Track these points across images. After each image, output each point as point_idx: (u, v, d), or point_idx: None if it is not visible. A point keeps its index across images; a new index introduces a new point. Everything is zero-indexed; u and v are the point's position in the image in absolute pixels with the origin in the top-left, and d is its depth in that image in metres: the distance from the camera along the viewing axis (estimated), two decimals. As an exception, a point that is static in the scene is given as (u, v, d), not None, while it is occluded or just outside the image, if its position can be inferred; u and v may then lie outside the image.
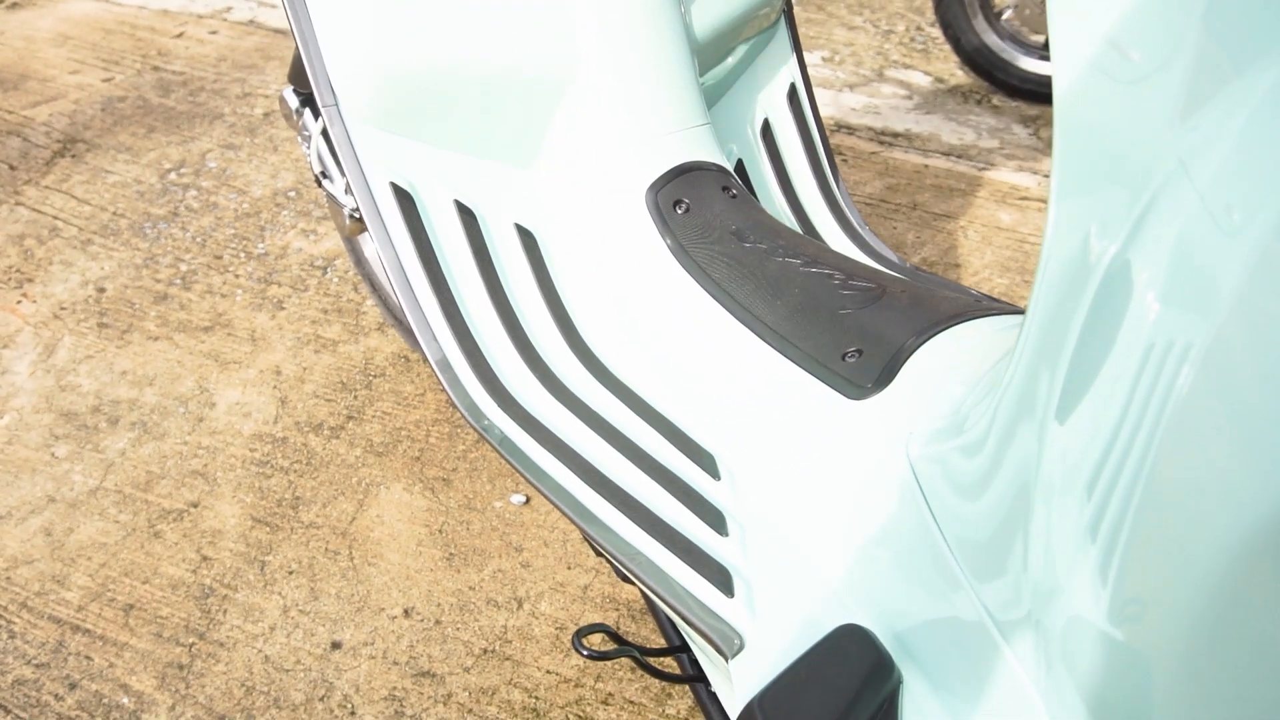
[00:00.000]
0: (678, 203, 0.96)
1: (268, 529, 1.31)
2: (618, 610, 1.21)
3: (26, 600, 1.22)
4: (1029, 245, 1.85)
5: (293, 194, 1.99)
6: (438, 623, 1.19)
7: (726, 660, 0.66)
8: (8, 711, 1.10)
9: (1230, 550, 0.39)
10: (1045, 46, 2.27)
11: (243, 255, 1.81)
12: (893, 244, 1.85)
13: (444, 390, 0.89)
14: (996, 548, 0.56)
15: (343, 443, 1.43)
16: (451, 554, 1.27)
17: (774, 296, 0.86)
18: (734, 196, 0.98)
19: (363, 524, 1.31)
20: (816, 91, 2.24)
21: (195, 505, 1.34)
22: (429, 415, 1.48)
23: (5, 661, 1.15)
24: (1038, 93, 2.30)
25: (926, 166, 2.10)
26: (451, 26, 0.96)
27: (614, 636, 0.81)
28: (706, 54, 1.13)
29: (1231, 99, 0.42)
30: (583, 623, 1.19)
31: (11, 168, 2.07)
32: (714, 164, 1.00)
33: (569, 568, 1.26)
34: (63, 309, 1.69)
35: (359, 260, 1.51)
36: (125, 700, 1.11)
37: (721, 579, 0.70)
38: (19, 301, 1.71)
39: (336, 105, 0.95)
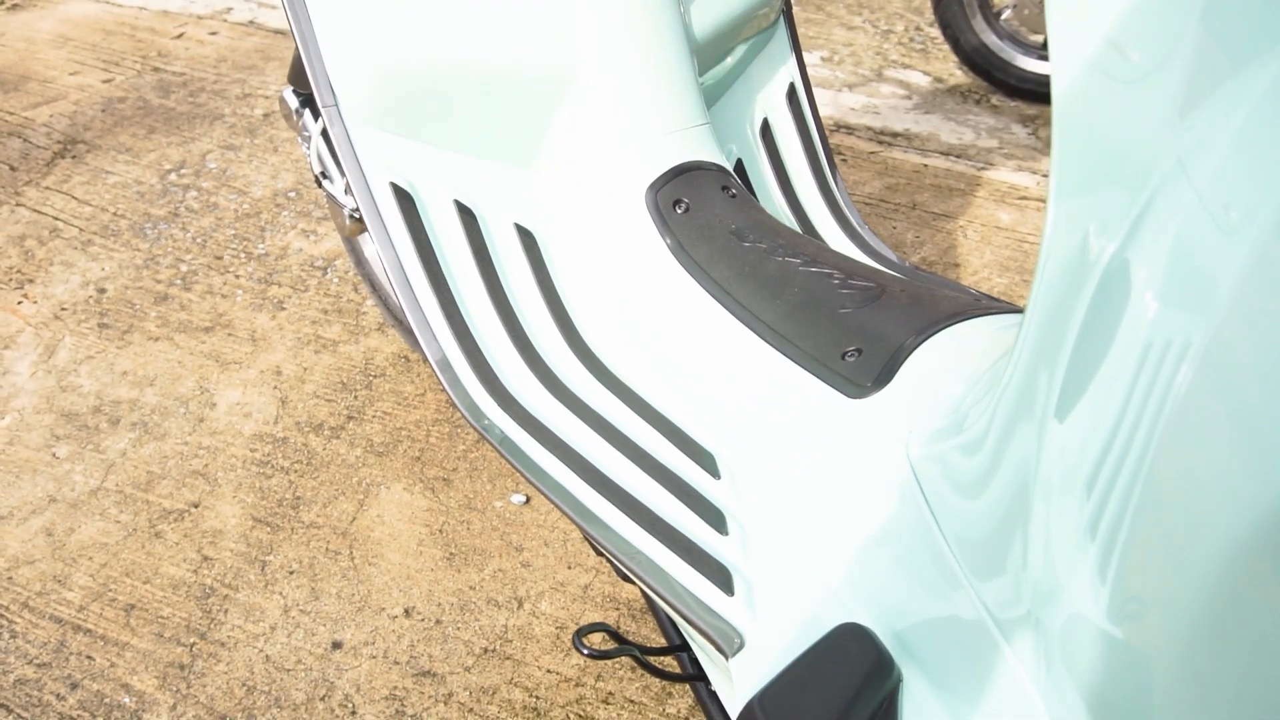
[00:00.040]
0: (677, 202, 0.96)
1: (268, 529, 1.31)
2: (618, 609, 1.21)
3: (28, 600, 1.22)
4: (1028, 245, 1.85)
5: (293, 194, 1.99)
6: (438, 622, 1.19)
7: (727, 659, 0.66)
8: (9, 711, 1.10)
9: (1229, 549, 0.39)
10: (1044, 46, 2.27)
11: (243, 256, 1.82)
12: (892, 243, 1.86)
13: (444, 390, 0.90)
14: (996, 546, 0.56)
15: (343, 443, 1.43)
16: (452, 554, 1.28)
17: (774, 296, 0.86)
18: (733, 196, 0.98)
19: (363, 524, 1.32)
20: (816, 91, 2.24)
21: (196, 505, 1.34)
22: (429, 415, 1.48)
23: (7, 661, 1.15)
24: (1036, 92, 2.30)
25: (925, 166, 2.10)
26: (451, 27, 0.96)
27: (614, 636, 0.81)
28: (706, 54, 1.14)
29: (1230, 98, 0.42)
30: (583, 622, 1.19)
31: (12, 169, 2.07)
32: (713, 164, 1.01)
33: (569, 567, 1.26)
34: (63, 310, 1.69)
35: (359, 260, 1.51)
36: (127, 700, 1.11)
37: (722, 578, 0.70)
38: (20, 302, 1.71)
39: (336, 105, 0.95)
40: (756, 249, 0.91)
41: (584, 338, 0.95)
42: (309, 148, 1.21)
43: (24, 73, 2.46)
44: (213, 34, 2.68)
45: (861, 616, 0.63)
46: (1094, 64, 0.49)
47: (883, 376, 0.74)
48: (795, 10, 2.81)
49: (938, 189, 2.02)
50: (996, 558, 0.56)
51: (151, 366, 1.57)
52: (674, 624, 0.92)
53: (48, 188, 2.01)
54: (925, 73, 2.50)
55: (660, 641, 1.14)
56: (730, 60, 1.21)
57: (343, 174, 1.15)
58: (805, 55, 2.53)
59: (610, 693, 1.12)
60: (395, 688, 1.12)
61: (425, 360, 1.14)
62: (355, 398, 1.51)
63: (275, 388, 1.53)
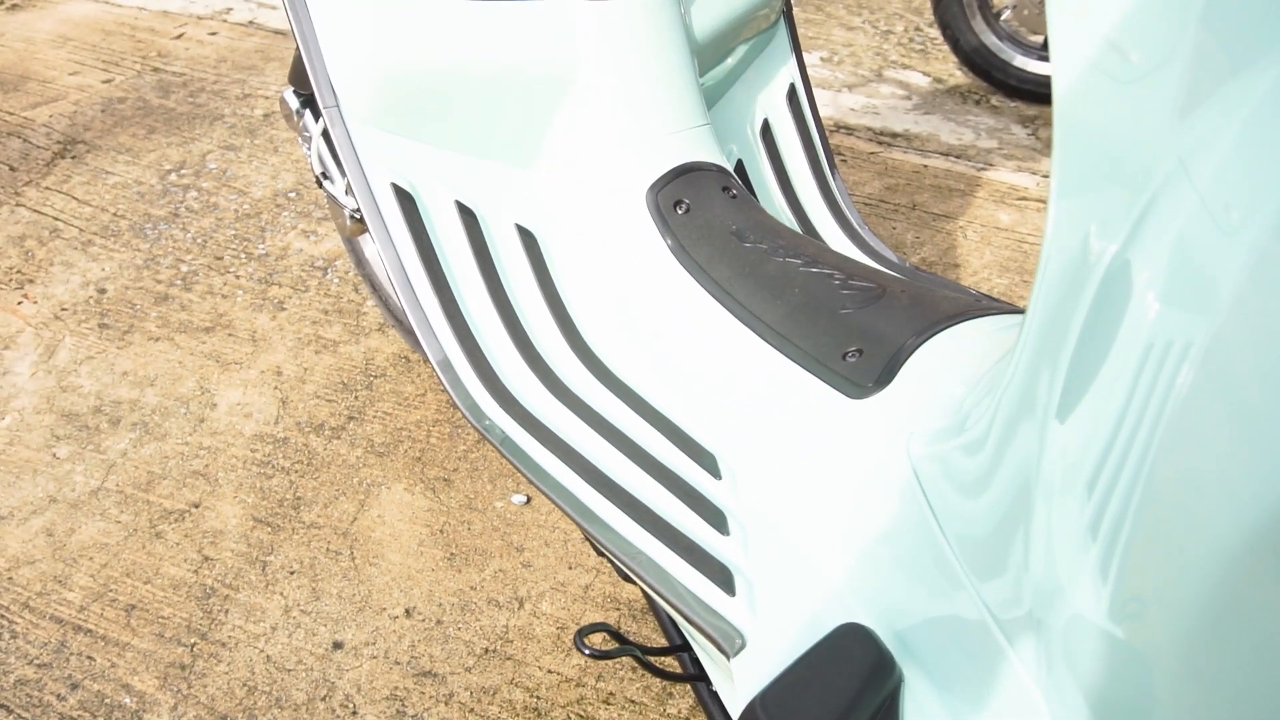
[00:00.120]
0: (678, 203, 0.96)
1: (269, 529, 1.31)
2: (619, 610, 1.21)
3: (28, 600, 1.22)
4: (1028, 245, 1.86)
5: (293, 195, 1.99)
6: (439, 622, 1.19)
7: (728, 659, 0.66)
8: (10, 712, 1.10)
9: (1230, 549, 0.39)
10: (1044, 46, 2.28)
11: (243, 256, 1.82)
12: (892, 244, 1.86)
13: (445, 390, 0.90)
14: (997, 546, 0.56)
15: (344, 443, 1.43)
16: (453, 554, 1.28)
17: (774, 296, 0.86)
18: (734, 197, 0.98)
19: (364, 524, 1.32)
20: (816, 92, 2.24)
21: (197, 505, 1.34)
22: (430, 415, 1.48)
23: (7, 662, 1.15)
24: (1036, 93, 2.30)
25: (925, 167, 2.10)
26: (452, 28, 0.96)
27: (616, 636, 0.81)
28: (706, 55, 1.14)
29: (1230, 98, 0.42)
30: (584, 622, 1.19)
31: (12, 169, 2.07)
32: (714, 164, 1.01)
33: (570, 567, 1.26)
34: (64, 310, 1.69)
35: (359, 261, 1.51)
36: (127, 700, 1.11)
37: (723, 578, 0.71)
38: (20, 302, 1.71)
39: (337, 106, 0.95)
40: (757, 249, 0.91)
41: (585, 338, 0.95)
42: (310, 148, 1.21)
43: (24, 73, 2.46)
44: (213, 34, 2.68)
45: (863, 616, 0.63)
46: (1095, 64, 0.49)
47: (884, 377, 0.74)
48: (795, 11, 2.81)
49: (937, 189, 2.02)
50: (998, 558, 0.56)
51: (152, 367, 1.57)
52: (675, 624, 0.93)
53: (48, 188, 2.01)
54: (925, 73, 2.50)
55: (661, 642, 1.14)
56: (731, 61, 1.22)
57: (343, 174, 1.15)
58: (805, 56, 2.54)
59: (611, 693, 1.12)
60: (396, 688, 1.12)
61: (426, 360, 1.14)
62: (356, 398, 1.51)
63: (276, 388, 1.53)
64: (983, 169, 2.10)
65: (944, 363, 0.73)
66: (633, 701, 1.11)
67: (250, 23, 2.75)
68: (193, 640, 1.18)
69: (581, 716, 1.10)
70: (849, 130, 2.25)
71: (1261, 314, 0.38)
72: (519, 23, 0.97)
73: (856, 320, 0.80)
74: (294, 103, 1.28)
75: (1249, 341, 0.38)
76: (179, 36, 2.66)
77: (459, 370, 0.90)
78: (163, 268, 1.78)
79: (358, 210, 0.99)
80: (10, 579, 1.25)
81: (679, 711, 1.10)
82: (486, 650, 1.16)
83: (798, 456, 0.76)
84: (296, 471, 1.39)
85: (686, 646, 0.88)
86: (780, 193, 1.19)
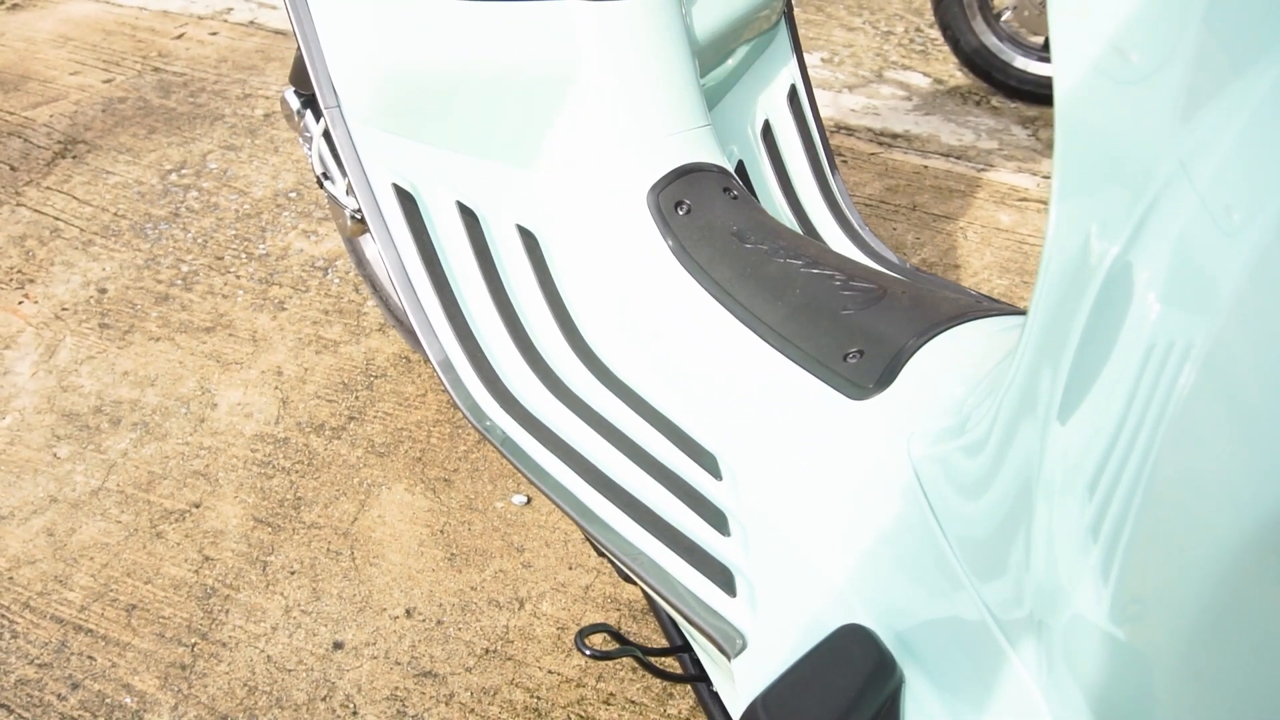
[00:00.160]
0: (679, 204, 0.96)
1: (270, 529, 1.31)
2: (619, 610, 1.21)
3: (29, 600, 1.22)
4: (1028, 246, 1.86)
5: (293, 195, 1.99)
6: (439, 623, 1.19)
7: (729, 660, 0.66)
8: (10, 711, 1.10)
9: (1231, 550, 0.39)
10: (1044, 47, 2.28)
11: (244, 256, 1.82)
12: (892, 245, 1.86)
13: (446, 390, 0.90)
14: (998, 547, 0.56)
15: (344, 443, 1.43)
16: (453, 554, 1.28)
17: (775, 297, 0.87)
18: (735, 197, 0.98)
19: (364, 524, 1.32)
20: (816, 92, 2.24)
21: (197, 506, 1.34)
22: (430, 416, 1.48)
23: (8, 661, 1.15)
24: (1036, 94, 2.30)
25: (926, 167, 2.11)
26: (453, 28, 0.96)
27: (616, 636, 0.81)
28: (707, 55, 1.14)
29: (1231, 100, 0.42)
30: (584, 623, 1.19)
31: (12, 169, 2.07)
32: (715, 165, 1.01)
33: (570, 568, 1.26)
34: (64, 310, 1.69)
35: (360, 261, 1.51)
36: (128, 700, 1.11)
37: (724, 579, 0.71)
38: (20, 302, 1.71)
39: (339, 107, 0.95)
40: (758, 250, 0.91)
41: (586, 339, 0.95)
42: (310, 148, 1.21)
43: (24, 72, 2.46)
44: (213, 34, 2.68)
45: (863, 617, 0.64)
46: (1096, 66, 0.49)
47: (885, 378, 0.74)
48: (795, 11, 2.81)
49: (938, 190, 2.02)
50: (999, 559, 0.56)
51: (152, 367, 1.57)
52: (675, 625, 0.93)
53: (48, 188, 2.01)
54: (925, 74, 2.50)
55: (662, 642, 1.14)
56: (731, 62, 1.22)
57: (344, 175, 1.15)
58: (806, 56, 2.54)
59: (611, 693, 1.12)
60: (396, 688, 1.12)
61: (427, 361, 1.14)
62: (356, 398, 1.51)
63: (276, 388, 1.53)
64: (983, 170, 2.10)
65: (945, 364, 0.73)
66: (633, 702, 1.11)
67: (251, 23, 2.75)
68: (193, 640, 1.18)
69: (582, 717, 1.10)
70: (849, 131, 2.25)
71: (1262, 315, 0.38)
72: (520, 23, 0.97)
73: (857, 321, 0.80)
74: (295, 103, 1.28)
75: (1250, 342, 0.38)
76: (179, 36, 2.66)
77: (460, 370, 0.90)
78: (163, 268, 1.78)
79: (358, 210, 0.99)
80: (11, 579, 1.25)
81: (679, 712, 1.10)
82: (487, 651, 1.16)
83: (798, 457, 0.76)
84: (297, 472, 1.39)
85: (687, 647, 0.88)
86: (781, 193, 1.19)
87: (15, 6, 2.83)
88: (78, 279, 1.76)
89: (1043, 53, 2.28)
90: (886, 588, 0.65)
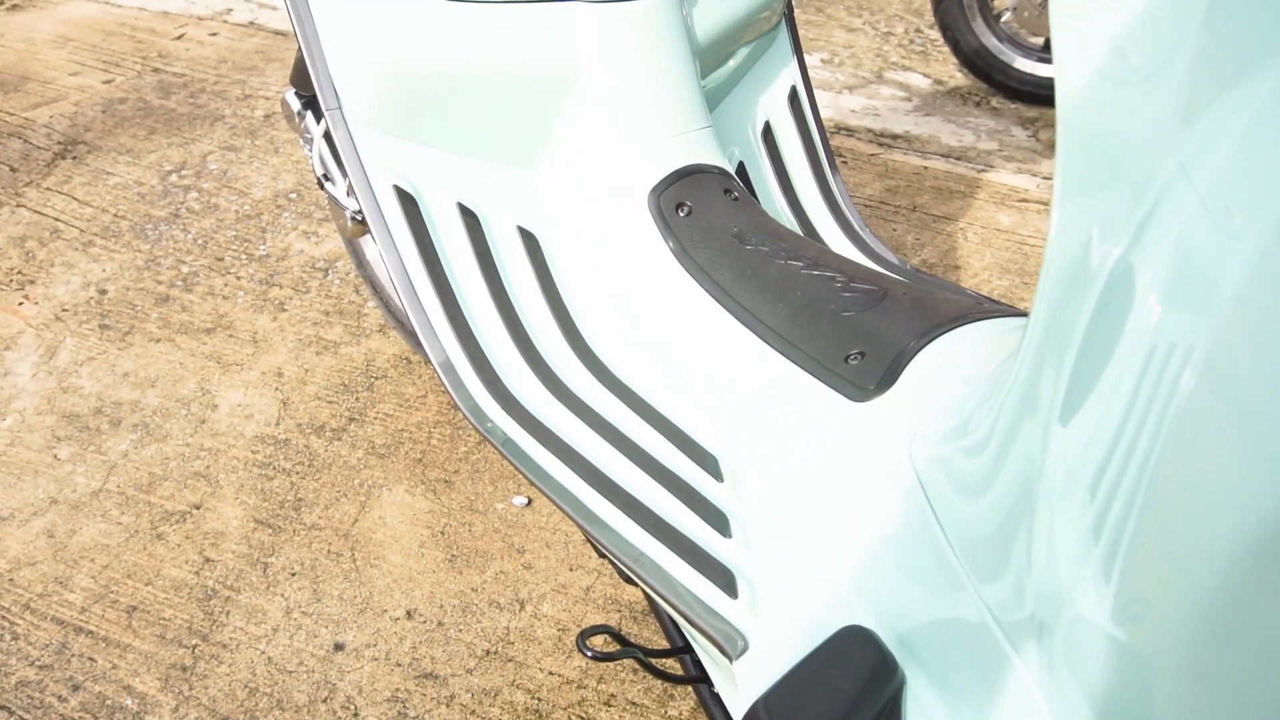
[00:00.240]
0: (680, 205, 0.96)
1: (270, 531, 1.31)
2: (620, 612, 1.21)
3: (29, 602, 1.22)
4: (1028, 247, 1.86)
5: (294, 196, 1.99)
6: (440, 624, 1.19)
7: (730, 661, 0.66)
8: (11, 713, 1.10)
9: (1233, 551, 0.39)
10: (1044, 48, 2.28)
11: (244, 257, 1.82)
12: (893, 246, 1.86)
13: (446, 392, 0.90)
14: (1000, 548, 0.56)
15: (345, 444, 1.43)
16: (454, 556, 1.28)
17: (776, 299, 0.87)
18: (735, 199, 0.98)
19: (365, 526, 1.32)
20: (816, 93, 2.24)
21: (198, 507, 1.34)
22: (431, 417, 1.48)
23: (8, 663, 1.15)
24: (1037, 94, 2.30)
25: (926, 168, 2.11)
26: (454, 30, 0.96)
27: (617, 638, 0.81)
28: (708, 57, 1.14)
29: (1232, 102, 0.42)
30: (585, 624, 1.19)
31: (12, 170, 2.07)
32: (716, 166, 1.01)
33: (571, 569, 1.26)
34: (64, 311, 1.69)
35: (360, 262, 1.51)
36: (129, 702, 1.11)
37: (725, 580, 0.71)
38: (21, 303, 1.71)
39: (340, 108, 0.95)
40: (759, 252, 0.91)
41: (586, 340, 0.95)
42: (311, 149, 1.21)
43: (24, 73, 2.46)
44: (213, 35, 2.68)
45: (865, 619, 0.64)
46: (1097, 67, 0.49)
47: (886, 379, 0.74)
48: (796, 12, 2.82)
49: (938, 191, 2.02)
50: (1000, 560, 0.56)
51: (153, 368, 1.57)
52: (677, 626, 0.93)
53: (48, 189, 2.01)
54: (925, 75, 2.50)
55: (663, 644, 1.14)
56: (732, 63, 1.22)
57: (345, 176, 1.15)
58: (806, 57, 2.54)
59: (612, 695, 1.12)
60: (397, 690, 1.12)
61: (427, 362, 1.14)
62: (357, 399, 1.51)
63: (277, 389, 1.53)
64: (983, 171, 2.10)
65: (946, 365, 0.73)
66: (634, 704, 1.11)
67: (251, 23, 2.75)
68: (194, 642, 1.18)
69: (583, 718, 1.10)
70: (850, 132, 2.25)
71: (1263, 316, 0.38)
72: (521, 25, 0.98)
73: (858, 323, 0.80)
74: (296, 104, 1.28)
75: (1251, 344, 0.38)
76: (179, 37, 2.67)
77: (460, 372, 0.90)
78: (163, 269, 1.79)
79: (359, 212, 0.99)
80: (11, 580, 1.25)
81: (680, 714, 1.11)
82: (488, 652, 1.16)
83: (799, 459, 0.76)
84: (297, 473, 1.39)
85: (688, 648, 0.88)
86: (781, 195, 1.19)
87: (15, 7, 2.83)
88: (78, 280, 1.76)
89: (1043, 54, 2.28)
90: (888, 589, 0.65)
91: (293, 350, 1.61)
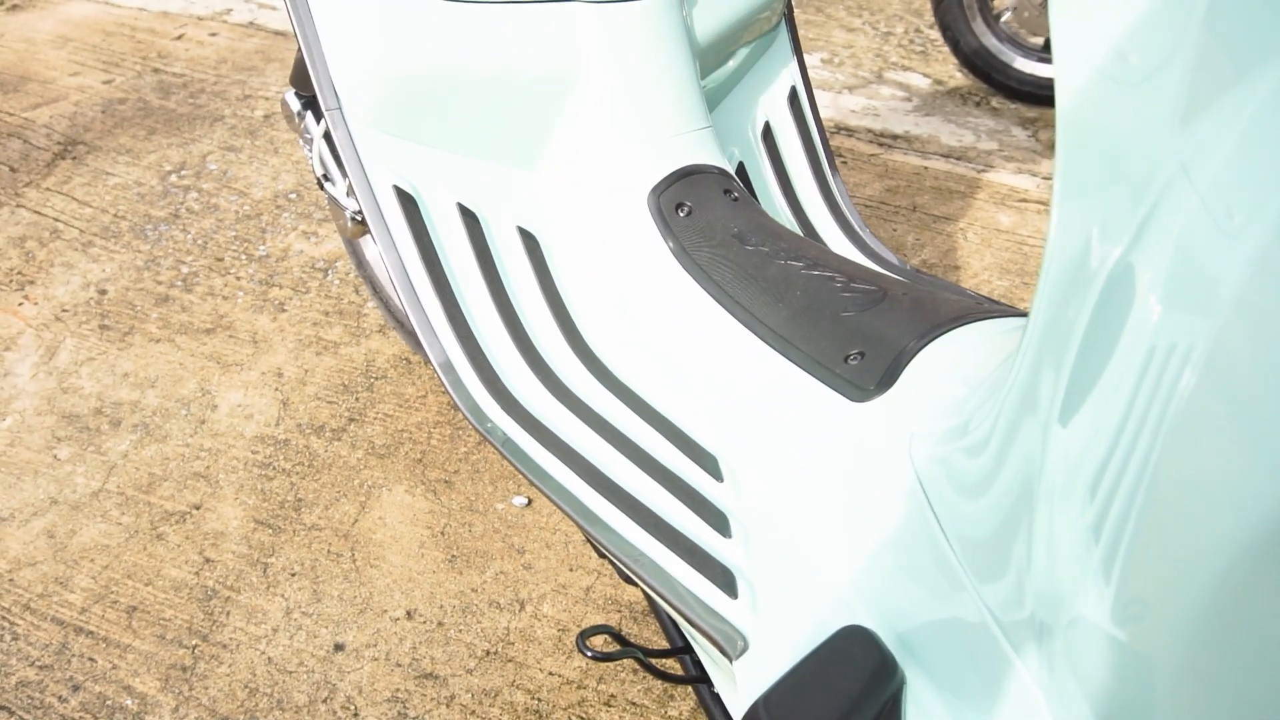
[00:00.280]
0: (679, 205, 0.97)
1: (270, 531, 1.31)
2: (620, 612, 1.21)
3: (29, 602, 1.22)
4: (1028, 247, 1.86)
5: (294, 196, 1.99)
6: (440, 624, 1.19)
7: (730, 661, 0.66)
8: (11, 713, 1.10)
9: (1233, 550, 0.39)
10: (1044, 48, 2.28)
11: (244, 257, 1.82)
12: (893, 246, 1.86)
13: (446, 392, 0.90)
14: (999, 548, 0.56)
15: (345, 445, 1.43)
16: (454, 556, 1.28)
17: (776, 299, 0.87)
18: (735, 199, 0.98)
19: (365, 526, 1.32)
20: (816, 93, 2.24)
21: (198, 507, 1.34)
22: (431, 417, 1.48)
23: (9, 663, 1.15)
24: (1036, 95, 2.30)
25: (926, 168, 2.11)
26: (454, 30, 0.96)
27: (617, 638, 0.81)
28: (708, 57, 1.14)
29: (1232, 102, 0.42)
30: (585, 624, 1.19)
31: (12, 170, 2.07)
32: (715, 167, 1.01)
33: (571, 570, 1.26)
34: (64, 311, 1.69)
35: (360, 263, 1.51)
36: (129, 702, 1.11)
37: (725, 580, 0.71)
38: (20, 304, 1.71)
39: (340, 108, 0.95)
40: (759, 252, 0.91)
41: (586, 340, 0.95)
42: (311, 150, 1.21)
43: (24, 73, 2.46)
44: (213, 35, 2.68)
45: (865, 619, 0.64)
46: (1097, 68, 0.49)
47: (885, 380, 0.74)
48: (795, 13, 2.82)
49: (938, 191, 2.03)
50: (1000, 560, 0.56)
51: (153, 368, 1.57)
52: (677, 626, 0.93)
53: (48, 189, 2.01)
54: (925, 75, 2.51)
55: (663, 644, 1.14)
56: (732, 63, 1.22)
57: (345, 176, 1.15)
58: (806, 57, 2.54)
59: (612, 695, 1.12)
60: (397, 690, 1.12)
61: (427, 362, 1.14)
62: (357, 400, 1.51)
63: (277, 389, 1.53)
64: (983, 171, 2.10)
65: (946, 365, 0.73)
66: (634, 704, 1.11)
67: (250, 24, 2.75)
68: (194, 642, 1.18)
69: (583, 719, 1.10)
70: (850, 132, 2.25)
71: (1263, 317, 0.38)
72: (521, 25, 0.98)
73: (858, 323, 0.80)
74: (296, 104, 1.28)
75: (1251, 344, 0.38)
76: (179, 37, 2.67)
77: (460, 372, 0.90)
78: (163, 269, 1.79)
79: (359, 212, 0.99)
80: (12, 580, 1.25)
81: (680, 714, 1.11)
82: (488, 652, 1.16)
83: (799, 459, 0.76)
84: (297, 473, 1.39)
85: (688, 649, 0.88)
86: (781, 195, 1.19)
87: (15, 7, 2.83)
88: (78, 280, 1.76)
89: (1043, 54, 2.28)
90: (888, 589, 0.65)
91: (293, 350, 1.61)
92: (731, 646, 0.66)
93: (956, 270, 1.80)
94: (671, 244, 0.95)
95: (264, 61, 2.54)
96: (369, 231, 0.96)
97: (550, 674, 1.14)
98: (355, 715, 1.10)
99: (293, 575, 1.25)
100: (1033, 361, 0.53)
